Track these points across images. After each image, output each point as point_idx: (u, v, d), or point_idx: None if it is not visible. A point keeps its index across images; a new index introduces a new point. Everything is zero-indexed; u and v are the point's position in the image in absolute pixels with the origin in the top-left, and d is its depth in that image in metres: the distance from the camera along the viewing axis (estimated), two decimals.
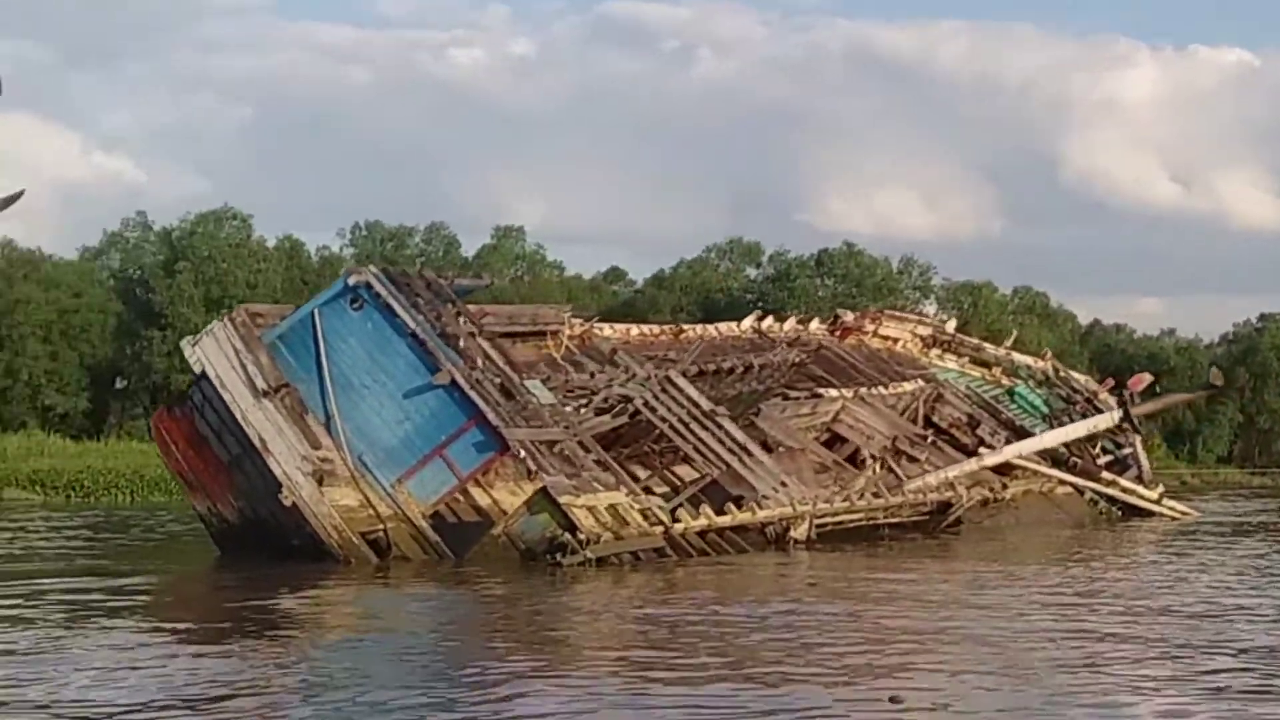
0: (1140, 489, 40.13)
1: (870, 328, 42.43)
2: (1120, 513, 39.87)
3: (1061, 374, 43.73)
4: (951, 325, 45.36)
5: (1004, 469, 38.32)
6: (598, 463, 28.08)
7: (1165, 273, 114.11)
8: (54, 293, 68.69)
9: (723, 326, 39.20)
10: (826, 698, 14.22)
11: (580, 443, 28.11)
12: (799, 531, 30.38)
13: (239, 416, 26.85)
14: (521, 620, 20.35)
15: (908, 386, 40.03)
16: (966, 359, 43.62)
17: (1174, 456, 71.73)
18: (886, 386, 39.51)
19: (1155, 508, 39.93)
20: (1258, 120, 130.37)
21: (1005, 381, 43.54)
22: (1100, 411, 40.93)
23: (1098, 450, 41.49)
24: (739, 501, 29.84)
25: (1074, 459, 40.08)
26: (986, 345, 44.69)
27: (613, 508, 27.20)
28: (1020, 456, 37.73)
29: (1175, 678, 15.42)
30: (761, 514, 29.75)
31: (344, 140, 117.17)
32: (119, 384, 71.41)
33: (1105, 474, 40.03)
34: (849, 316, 42.49)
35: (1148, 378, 43.57)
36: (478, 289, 33.60)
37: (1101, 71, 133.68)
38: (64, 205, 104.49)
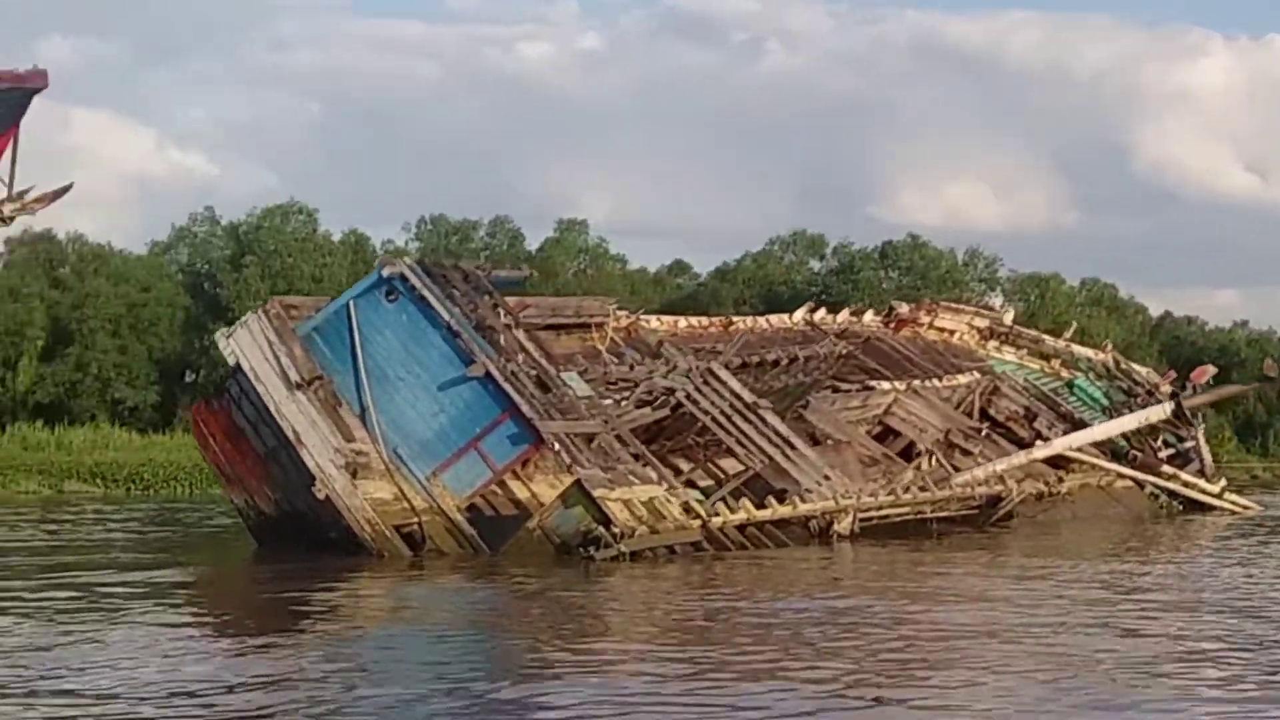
0: (1201, 483, 39.33)
1: (926, 319, 41.89)
2: (1181, 507, 39.12)
3: (1123, 366, 42.95)
4: (1010, 317, 44.70)
5: (1061, 462, 37.71)
6: (635, 456, 27.80)
7: (1240, 264, 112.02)
8: (123, 287, 69.15)
9: (773, 318, 38.82)
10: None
11: (617, 435, 27.84)
12: (843, 526, 29.96)
13: (272, 409, 26.79)
14: (562, 614, 20.22)
15: (963, 379, 39.50)
16: (1025, 351, 42.97)
17: (1245, 450, 70.57)
18: (941, 379, 39.02)
19: (1216, 502, 39.14)
20: None
21: (1065, 374, 42.88)
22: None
23: (1159, 443, 40.74)
24: (781, 495, 29.50)
25: (1134, 452, 39.40)
26: (1045, 337, 43.99)
27: (649, 501, 26.92)
28: (1071, 449, 37.02)
29: (1232, 679, 14.99)
30: (803, 508, 29.36)
31: (412, 135, 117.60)
32: (187, 377, 71.89)
33: (1166, 468, 39.29)
34: (904, 308, 41.96)
35: (1211, 370, 42.76)
36: (517, 281, 33.36)
37: (1174, 61, 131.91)
38: (139, 201, 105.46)
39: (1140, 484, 39.00)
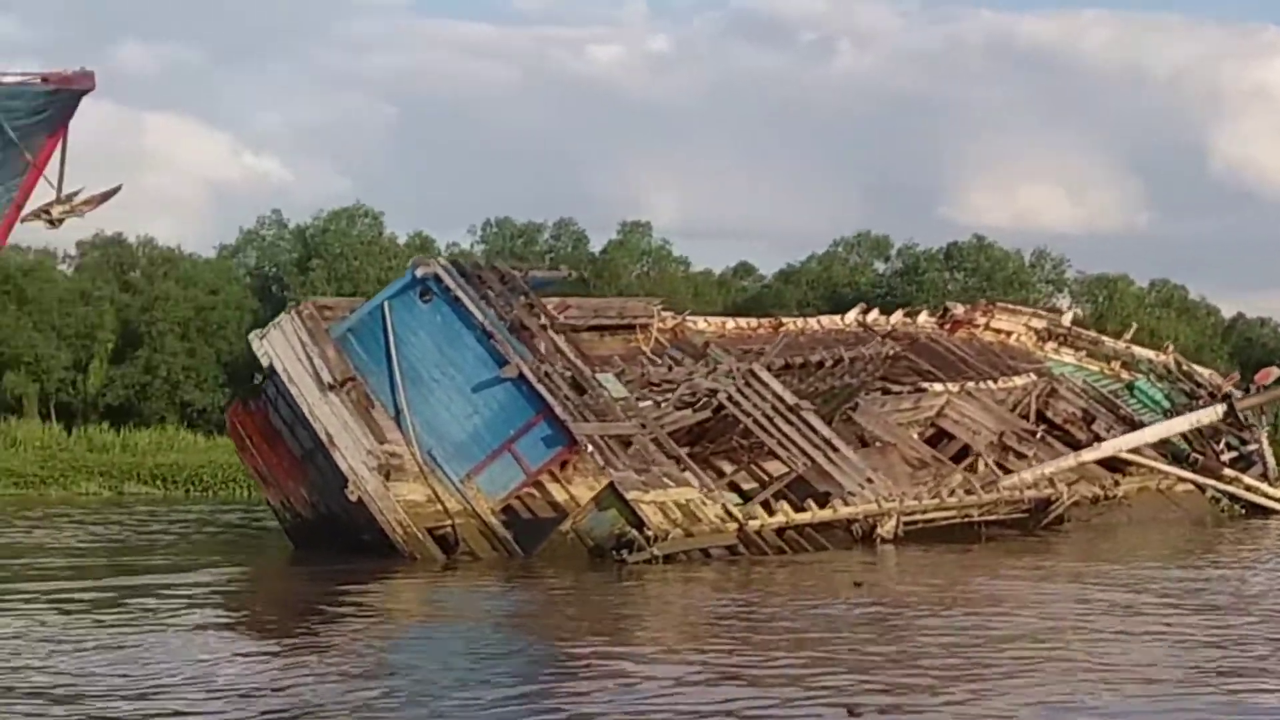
0: (1264, 486, 38.57)
1: (981, 320, 41.34)
2: (1243, 511, 38.38)
3: (1184, 367, 42.19)
4: (1069, 318, 44.02)
5: (1118, 465, 37.06)
6: (672, 458, 27.53)
7: None
8: (192, 290, 69.62)
9: (825, 319, 38.43)
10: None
11: (654, 438, 27.57)
12: (886, 529, 29.54)
13: (305, 410, 26.73)
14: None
15: (1019, 381, 38.90)
16: (1084, 353, 42.31)
17: None
18: (996, 381, 38.44)
19: (1279, 506, 38.36)
20: None
21: (1125, 376, 42.19)
22: None
23: (1222, 446, 39.95)
24: (824, 498, 29.12)
25: (1195, 455, 38.68)
26: (1105, 338, 43.31)
27: (684, 504, 26.63)
28: (1122, 451, 36.34)
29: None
30: (844, 511, 28.97)
31: (481, 137, 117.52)
32: (255, 380, 72.17)
33: (1227, 471, 38.54)
34: (959, 309, 41.42)
35: (1276, 371, 41.86)
36: (556, 281, 33.18)
37: (1251, 59, 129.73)
38: (213, 205, 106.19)
39: (1201, 487, 38.29)
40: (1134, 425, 38.75)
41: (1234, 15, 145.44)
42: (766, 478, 31.17)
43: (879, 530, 29.48)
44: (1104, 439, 37.33)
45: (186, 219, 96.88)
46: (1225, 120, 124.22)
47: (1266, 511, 38.15)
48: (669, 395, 29.81)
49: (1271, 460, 40.06)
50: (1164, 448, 38.54)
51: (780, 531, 27.89)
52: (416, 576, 24.78)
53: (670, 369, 30.37)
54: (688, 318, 34.58)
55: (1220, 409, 38.37)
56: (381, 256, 68.70)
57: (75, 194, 27.18)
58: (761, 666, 15.79)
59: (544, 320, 28.00)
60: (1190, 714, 13.36)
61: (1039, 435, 36.93)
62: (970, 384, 37.42)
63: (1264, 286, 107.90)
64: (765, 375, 30.70)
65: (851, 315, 38.62)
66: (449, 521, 26.43)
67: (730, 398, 30.20)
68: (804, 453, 29.87)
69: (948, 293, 60.11)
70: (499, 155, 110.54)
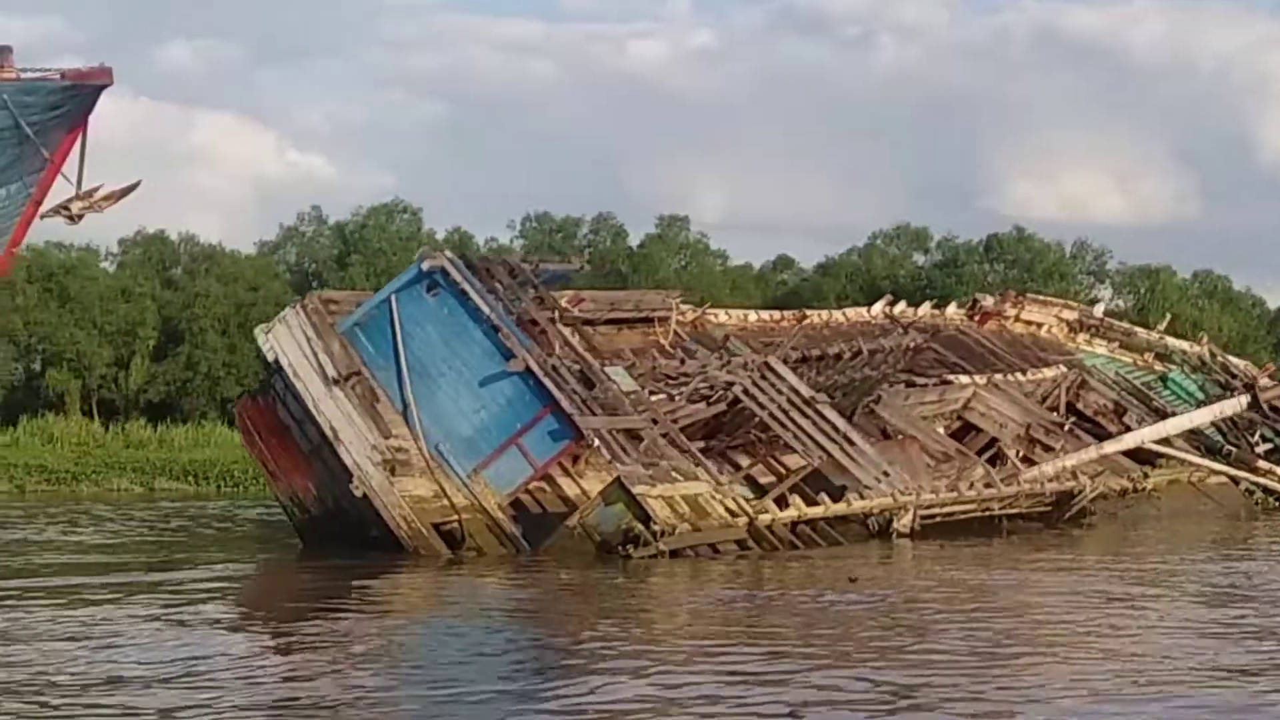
0: None
1: (1011, 312, 40.83)
2: (1277, 503, 37.75)
3: (1219, 358, 41.52)
4: (1100, 309, 43.42)
5: (1148, 458, 36.49)
6: (683, 451, 27.20)
7: None
8: (232, 287, 69.79)
9: (850, 312, 38.03)
10: None
11: (664, 431, 27.25)
12: (902, 523, 29.14)
13: (310, 405, 26.58)
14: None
15: (1048, 373, 38.37)
16: (1117, 344, 41.72)
17: None
18: (1025, 373, 37.92)
19: None
20: None
21: (1159, 367, 41.59)
22: None
23: (1257, 438, 39.31)
24: (839, 492, 28.74)
25: (1228, 447, 38.07)
26: (1138, 329, 42.71)
27: (693, 498, 26.31)
28: (1146, 443, 35.74)
29: None
30: (858, 504, 28.57)
31: (524, 134, 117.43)
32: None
33: (1261, 463, 37.91)
34: (988, 300, 40.91)
35: None
36: (568, 273, 32.90)
37: None
38: (259, 201, 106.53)
39: (1235, 480, 37.69)
40: (1166, 417, 38.14)
41: None
42: (784, 471, 30.78)
43: (896, 524, 29.09)
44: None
45: (232, 216, 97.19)
46: (1274, 110, 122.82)
47: None
48: (682, 388, 29.49)
49: None
50: (1197, 439, 37.96)
51: (794, 526, 27.54)
52: (422, 570, 24.63)
53: (683, 362, 30.04)
54: (708, 310, 34.25)
55: (1244, 399, 37.66)
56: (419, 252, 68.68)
57: (95, 189, 27.24)
58: (763, 661, 15.56)
59: (552, 313, 27.74)
60: (1212, 712, 13.01)
61: (1067, 427, 36.39)
62: (997, 376, 36.91)
63: None
64: (781, 368, 30.31)
65: (878, 307, 38.21)
66: (455, 517, 26.22)
67: (746, 390, 29.83)
68: (819, 446, 29.47)
69: (987, 285, 59.47)
70: (541, 152, 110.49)
